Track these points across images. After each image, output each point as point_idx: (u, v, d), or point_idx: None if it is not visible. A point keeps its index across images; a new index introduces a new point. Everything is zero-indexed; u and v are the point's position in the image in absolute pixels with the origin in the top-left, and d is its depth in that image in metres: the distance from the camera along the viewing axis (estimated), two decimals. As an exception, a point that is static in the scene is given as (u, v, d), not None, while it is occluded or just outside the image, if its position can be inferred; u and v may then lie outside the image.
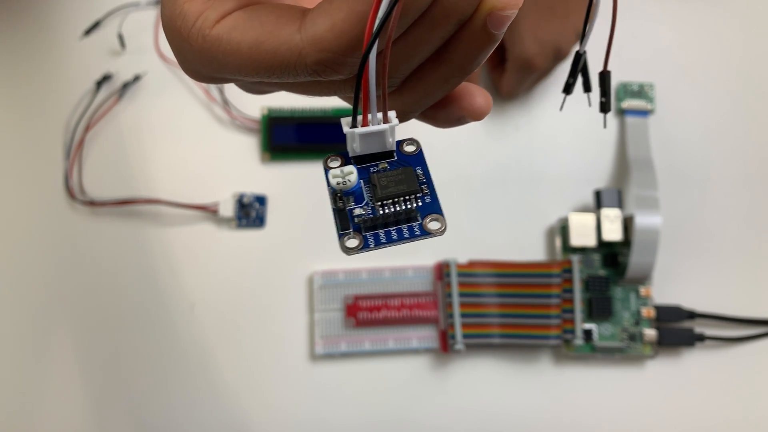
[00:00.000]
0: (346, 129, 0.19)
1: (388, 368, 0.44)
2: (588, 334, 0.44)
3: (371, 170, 0.20)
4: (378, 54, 0.17)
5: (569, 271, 0.44)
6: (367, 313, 0.44)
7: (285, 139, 0.46)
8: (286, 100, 0.48)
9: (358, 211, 0.20)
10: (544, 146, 0.48)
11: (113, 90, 0.48)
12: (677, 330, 0.44)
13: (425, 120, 0.23)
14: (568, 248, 0.45)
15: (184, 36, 0.20)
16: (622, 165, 0.48)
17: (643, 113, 0.48)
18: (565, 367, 0.45)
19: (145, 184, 0.46)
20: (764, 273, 0.46)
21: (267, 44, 0.19)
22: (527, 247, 0.46)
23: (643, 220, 0.42)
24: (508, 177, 0.48)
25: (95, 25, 0.49)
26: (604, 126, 0.29)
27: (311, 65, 0.18)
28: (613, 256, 0.45)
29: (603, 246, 0.45)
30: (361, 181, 0.20)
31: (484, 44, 0.19)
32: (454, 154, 0.47)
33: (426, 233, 0.20)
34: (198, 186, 0.46)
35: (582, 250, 0.45)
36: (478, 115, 0.22)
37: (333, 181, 0.19)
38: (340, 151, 0.21)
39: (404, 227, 0.20)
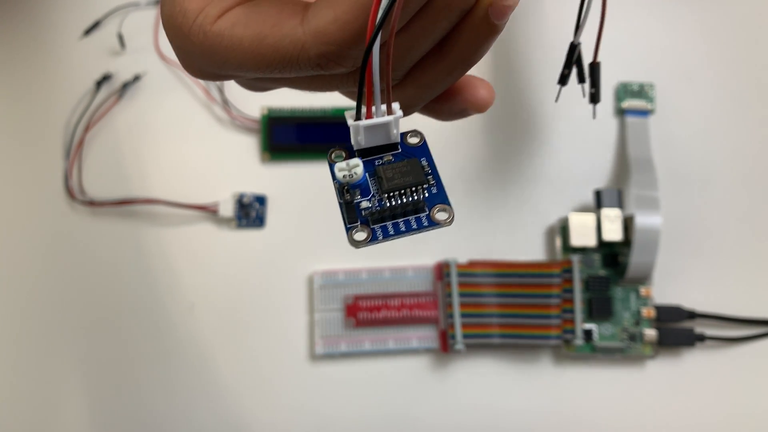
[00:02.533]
0: (350, 122, 0.19)
1: (388, 368, 0.44)
2: (588, 334, 0.44)
3: (376, 163, 0.20)
4: (381, 45, 0.17)
5: (569, 271, 0.44)
6: (367, 313, 0.44)
7: (285, 138, 0.46)
8: (286, 100, 0.48)
9: (365, 204, 0.20)
10: (544, 146, 0.48)
11: (113, 90, 0.48)
12: (677, 330, 0.44)
13: (427, 113, 0.23)
14: (568, 248, 0.45)
15: (185, 33, 0.20)
16: (623, 165, 0.48)
17: (644, 113, 0.48)
18: (566, 367, 0.45)
19: (144, 184, 0.46)
20: (764, 273, 0.46)
21: (269, 39, 0.19)
22: (527, 247, 0.46)
23: (643, 220, 0.42)
24: (508, 177, 0.48)
25: (95, 25, 0.49)
26: (594, 116, 0.29)
27: (314, 58, 0.18)
28: (613, 256, 0.45)
29: (603, 246, 0.45)
30: (367, 174, 0.20)
31: (487, 35, 0.19)
32: (453, 154, 0.47)
33: (434, 224, 0.20)
34: (198, 186, 0.46)
35: (582, 250, 0.45)
36: (480, 107, 0.22)
37: (339, 175, 0.19)
38: (344, 144, 0.21)
39: (412, 218, 0.20)
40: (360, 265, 0.45)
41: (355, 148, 0.20)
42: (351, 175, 0.19)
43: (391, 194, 0.19)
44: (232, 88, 0.48)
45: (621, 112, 0.48)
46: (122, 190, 0.46)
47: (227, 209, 0.45)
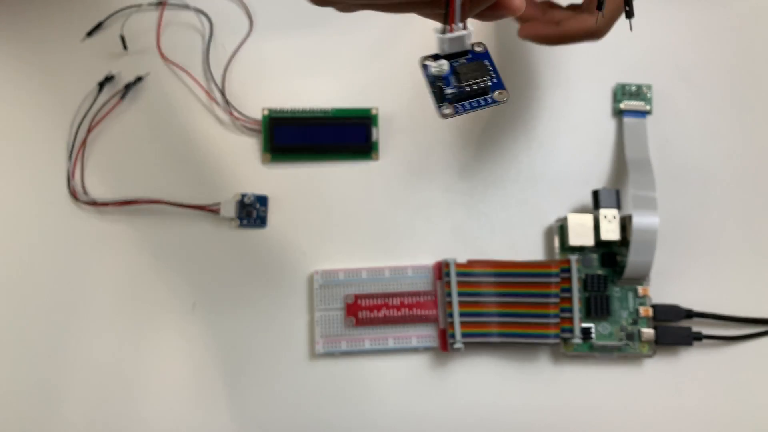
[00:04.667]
0: (438, 35, 0.27)
1: (388, 367, 0.45)
2: (586, 333, 0.44)
3: (453, 64, 0.28)
4: None
5: (567, 270, 0.44)
6: (367, 312, 0.44)
7: (286, 139, 0.47)
8: (287, 102, 0.48)
9: (449, 90, 0.28)
10: (542, 147, 0.49)
11: (115, 91, 0.48)
12: (675, 329, 0.45)
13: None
14: (566, 248, 0.45)
15: None
16: (620, 165, 0.48)
17: (641, 114, 0.48)
18: (564, 365, 0.45)
19: (147, 185, 0.47)
20: (761, 272, 0.47)
21: None
22: (526, 246, 0.47)
23: (640, 220, 0.43)
24: (506, 177, 0.48)
25: (97, 27, 0.49)
26: (630, 29, 0.31)
27: None
28: (611, 256, 0.45)
29: (601, 245, 0.45)
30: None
31: None
32: (453, 155, 0.48)
33: (495, 101, 0.28)
34: (200, 186, 0.47)
35: (580, 250, 0.46)
36: (515, 11, 0.27)
37: (433, 70, 0.27)
38: (431, 54, 0.28)
39: (481, 98, 0.28)
40: (360, 264, 0.46)
41: (440, 54, 0.28)
42: (441, 70, 0.27)
43: (467, 83, 0.28)
44: (233, 89, 0.48)
45: (619, 113, 0.49)
46: (125, 190, 0.46)
47: (229, 209, 0.46)
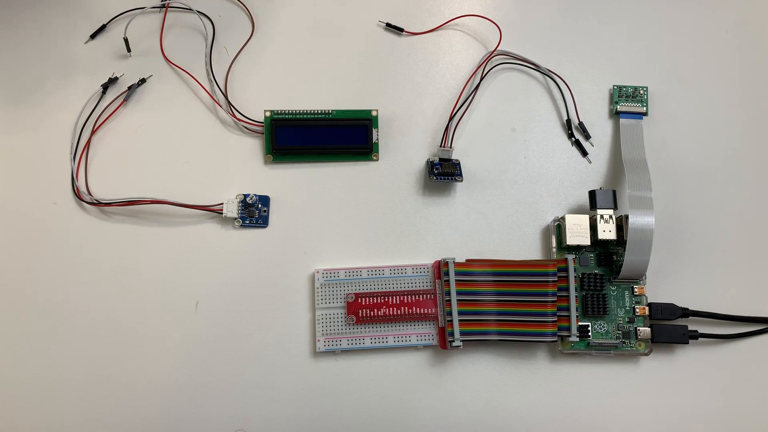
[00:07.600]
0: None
1: (388, 364, 0.45)
2: (583, 331, 0.45)
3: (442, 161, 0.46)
4: None
5: (565, 269, 0.44)
6: (367, 310, 0.44)
7: (287, 140, 0.47)
8: (288, 103, 0.48)
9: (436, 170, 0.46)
10: (540, 148, 0.49)
11: (119, 93, 0.48)
12: (671, 327, 0.45)
13: None
14: (563, 247, 0.46)
15: None
16: (617, 166, 0.48)
17: (637, 116, 0.49)
18: (561, 363, 0.46)
19: (150, 185, 0.47)
20: (756, 271, 0.47)
21: None
22: (524, 246, 0.47)
23: (636, 220, 0.43)
24: (504, 178, 0.48)
25: (101, 29, 0.50)
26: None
27: None
28: (607, 255, 0.46)
29: (598, 245, 0.46)
30: None
31: None
32: (453, 156, 0.48)
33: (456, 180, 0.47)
34: (203, 187, 0.47)
35: (577, 249, 0.46)
36: None
37: (431, 158, 0.45)
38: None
39: (449, 177, 0.47)
40: (360, 263, 0.46)
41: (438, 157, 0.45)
42: (434, 159, 0.47)
43: (446, 171, 0.47)
44: (236, 91, 0.49)
45: (616, 114, 0.49)
46: (129, 190, 0.47)
47: (232, 209, 0.46)
